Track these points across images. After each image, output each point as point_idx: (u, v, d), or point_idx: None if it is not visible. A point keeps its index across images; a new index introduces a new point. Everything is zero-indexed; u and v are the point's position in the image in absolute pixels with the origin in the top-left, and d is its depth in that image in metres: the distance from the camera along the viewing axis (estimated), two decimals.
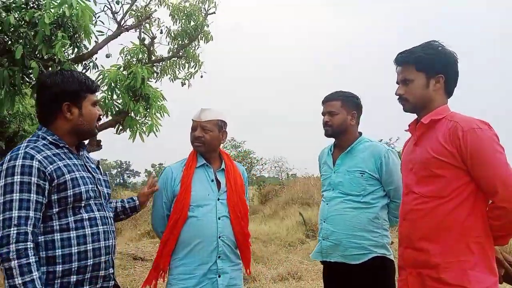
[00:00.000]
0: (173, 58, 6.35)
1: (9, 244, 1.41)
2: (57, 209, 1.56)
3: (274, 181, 16.31)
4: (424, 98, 1.76)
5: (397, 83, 1.84)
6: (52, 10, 4.43)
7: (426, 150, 1.71)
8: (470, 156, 1.58)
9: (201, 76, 6.45)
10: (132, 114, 5.98)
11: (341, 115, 2.44)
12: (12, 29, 4.30)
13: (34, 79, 4.46)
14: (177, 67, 6.41)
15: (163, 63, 6.31)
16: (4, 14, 4.28)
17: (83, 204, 1.61)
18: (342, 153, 2.47)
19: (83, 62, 5.55)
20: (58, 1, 4.44)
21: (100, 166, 1.82)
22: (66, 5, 4.39)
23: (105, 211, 1.72)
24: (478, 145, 1.58)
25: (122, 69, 5.91)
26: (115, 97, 5.90)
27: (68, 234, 1.56)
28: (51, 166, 1.55)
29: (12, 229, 1.43)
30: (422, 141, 1.77)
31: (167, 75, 6.37)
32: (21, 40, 4.32)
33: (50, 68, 4.63)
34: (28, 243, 1.45)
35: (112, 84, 5.74)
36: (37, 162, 1.51)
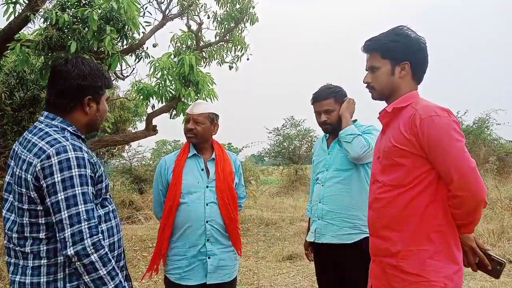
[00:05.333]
0: (220, 43, 6.47)
1: (83, 240, 1.38)
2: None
3: None
4: (390, 86, 1.72)
5: (366, 70, 1.79)
6: (102, 6, 4.71)
7: (388, 139, 1.68)
8: (427, 144, 1.54)
9: (248, 59, 6.53)
10: (184, 100, 6.24)
11: (337, 111, 2.49)
12: (67, 26, 4.63)
13: None
14: (224, 51, 6.52)
15: (211, 48, 6.44)
16: (59, 12, 4.61)
17: (107, 196, 1.62)
18: (336, 138, 2.51)
19: (136, 52, 5.83)
20: None
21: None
22: (113, 0, 4.64)
23: (113, 203, 1.70)
24: (435, 133, 1.52)
25: (172, 56, 6.16)
26: (168, 83, 6.19)
27: (101, 227, 1.53)
28: (94, 158, 1.54)
29: (83, 224, 1.38)
30: (387, 129, 1.74)
31: (215, 59, 6.51)
32: (75, 36, 4.65)
33: (102, 61, 4.96)
34: (100, 235, 1.43)
35: (165, 72, 6.03)
36: (86, 154, 1.47)
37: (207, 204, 2.30)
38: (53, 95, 1.58)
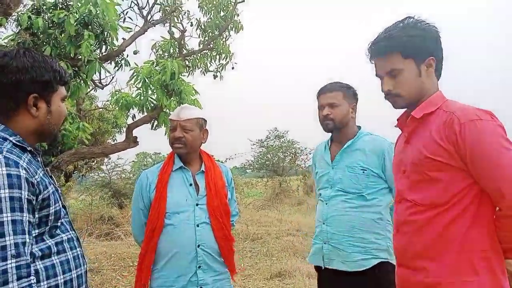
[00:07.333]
0: (204, 51, 6.26)
1: (7, 283, 1.07)
2: (37, 232, 1.23)
3: None
4: (420, 89, 1.45)
5: (378, 76, 1.53)
6: (80, 9, 4.45)
7: (418, 149, 1.42)
8: (470, 154, 1.29)
9: (232, 68, 6.32)
10: (166, 110, 5.97)
11: (343, 107, 2.19)
12: (41, 31, 4.36)
13: None
14: (208, 59, 6.31)
15: (194, 56, 6.22)
16: (33, 16, 4.34)
17: (59, 224, 1.32)
18: (341, 149, 2.23)
19: (115, 60, 5.57)
20: (83, 0, 4.45)
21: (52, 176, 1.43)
22: (91, 3, 4.40)
23: (74, 230, 1.42)
24: (479, 140, 1.27)
25: (154, 64, 5.91)
26: (149, 93, 5.92)
27: (51, 260, 1.25)
28: (36, 176, 1.23)
29: (9, 261, 1.08)
30: (414, 138, 1.47)
31: (198, 68, 6.29)
32: (50, 41, 4.38)
33: (79, 69, 4.68)
34: (31, 277, 1.13)
35: (146, 81, 5.76)
36: (23, 171, 1.17)
37: (197, 225, 1.99)
38: None
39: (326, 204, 2.20)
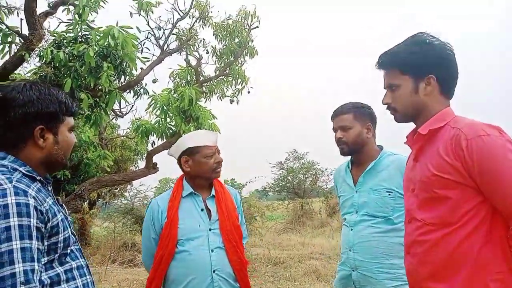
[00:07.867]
0: (220, 77, 6.37)
1: None
2: (46, 259, 1.25)
3: None
4: (416, 105, 1.45)
5: (385, 88, 1.55)
6: (99, 42, 4.62)
7: (425, 167, 1.38)
8: (478, 171, 1.24)
9: (248, 92, 6.41)
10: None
11: (355, 129, 2.14)
12: (62, 64, 4.53)
13: (85, 110, 4.65)
14: (225, 85, 6.41)
15: (211, 82, 6.34)
16: (55, 50, 4.52)
17: (68, 251, 1.33)
18: (364, 171, 2.16)
19: (134, 89, 5.72)
20: (102, 34, 4.62)
21: (63, 204, 1.45)
22: (110, 36, 4.55)
23: (84, 258, 1.43)
24: (487, 156, 1.23)
25: (172, 92, 6.05)
26: (168, 120, 6.05)
27: None
28: (45, 204, 1.26)
29: None
30: (422, 155, 1.45)
31: (215, 94, 6.40)
32: (70, 74, 4.53)
33: (99, 99, 4.82)
34: None
35: (165, 108, 5.89)
36: (32, 199, 1.20)
37: (212, 251, 1.98)
38: (0, 130, 1.32)
39: (352, 230, 2.12)
